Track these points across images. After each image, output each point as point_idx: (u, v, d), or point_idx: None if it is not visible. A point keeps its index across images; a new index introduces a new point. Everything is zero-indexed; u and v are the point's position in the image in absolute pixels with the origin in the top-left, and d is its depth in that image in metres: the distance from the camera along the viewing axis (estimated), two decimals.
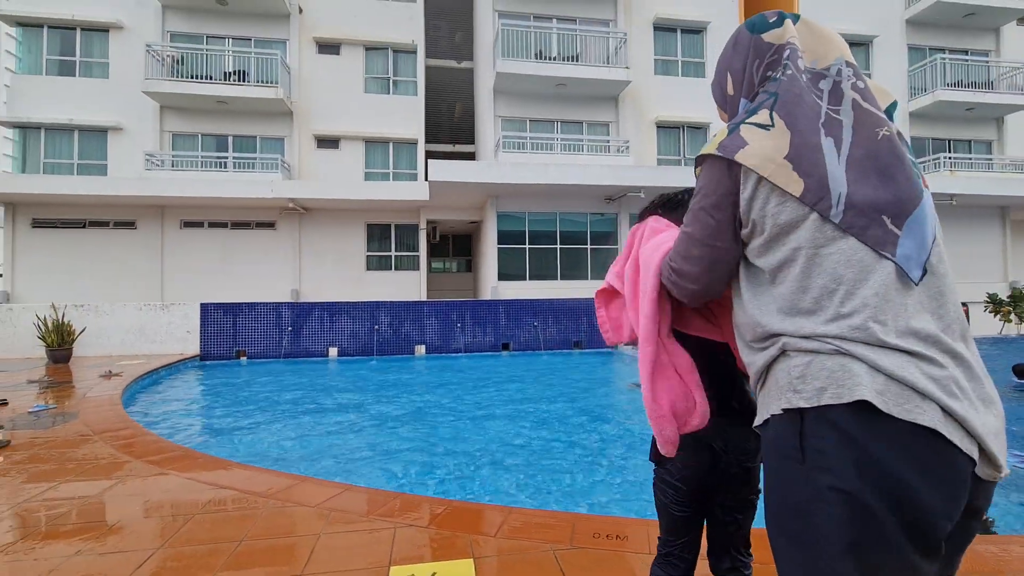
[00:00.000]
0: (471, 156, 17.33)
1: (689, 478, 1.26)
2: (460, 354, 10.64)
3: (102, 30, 14.08)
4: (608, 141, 14.79)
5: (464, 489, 3.69)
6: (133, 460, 3.49)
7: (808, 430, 0.81)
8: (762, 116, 0.92)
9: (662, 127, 15.78)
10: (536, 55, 14.69)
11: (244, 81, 14.03)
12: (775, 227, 0.88)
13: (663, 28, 15.86)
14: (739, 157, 0.90)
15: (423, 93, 15.45)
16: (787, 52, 0.95)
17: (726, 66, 1.05)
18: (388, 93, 15.27)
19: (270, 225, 14.08)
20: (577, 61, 14.86)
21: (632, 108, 15.46)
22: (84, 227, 13.43)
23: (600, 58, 15.12)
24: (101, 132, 14.01)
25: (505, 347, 10.97)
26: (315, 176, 14.53)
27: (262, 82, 14.02)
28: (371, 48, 15.18)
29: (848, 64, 0.93)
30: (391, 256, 14.68)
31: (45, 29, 13.91)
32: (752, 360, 0.96)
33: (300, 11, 14.78)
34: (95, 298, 12.49)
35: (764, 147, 0.89)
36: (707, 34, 15.95)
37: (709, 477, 1.26)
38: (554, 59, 14.74)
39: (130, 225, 13.62)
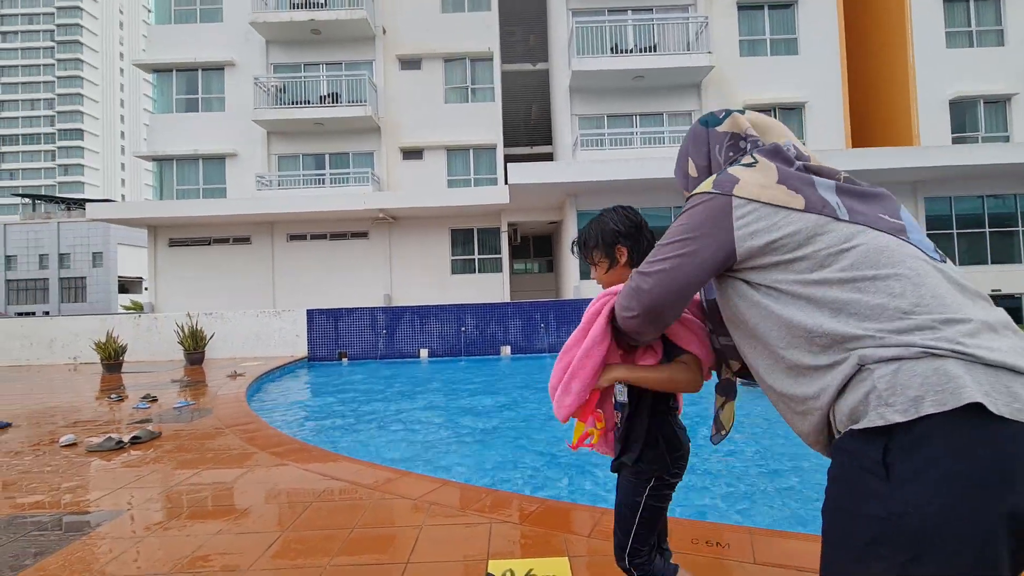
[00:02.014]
0: (549, 157, 17.39)
1: (679, 473, 1.37)
2: (545, 354, 10.70)
3: (219, 68, 15.86)
4: None
5: (554, 488, 3.73)
6: (258, 451, 3.91)
7: (898, 444, 0.76)
8: (745, 159, 1.05)
9: (751, 111, 14.84)
10: (612, 49, 14.44)
11: (337, 102, 15.15)
12: (788, 237, 0.92)
13: (748, 7, 14.93)
14: (736, 191, 0.99)
15: (500, 98, 15.76)
16: (748, 138, 1.11)
17: (687, 154, 1.21)
18: (467, 102, 15.74)
19: (363, 235, 15.06)
20: (655, 51, 14.40)
21: (717, 94, 14.70)
22: (209, 244, 15.19)
23: (679, 45, 14.53)
24: (220, 159, 15.78)
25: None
26: (402, 186, 15.32)
27: (353, 102, 15.05)
28: (450, 60, 15.73)
29: (794, 144, 1.08)
30: (475, 259, 15.10)
31: (174, 73, 15.92)
32: (806, 385, 0.89)
33: (384, 32, 15.67)
34: (220, 307, 14.06)
35: (756, 178, 0.99)
36: (798, 7, 14.78)
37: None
38: (630, 51, 14.39)
39: (246, 240, 15.20)
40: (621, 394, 1.38)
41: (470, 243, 15.19)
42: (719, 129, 1.15)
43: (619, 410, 1.40)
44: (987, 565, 0.70)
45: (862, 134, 16.27)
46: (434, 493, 2.96)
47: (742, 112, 1.17)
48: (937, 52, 14.44)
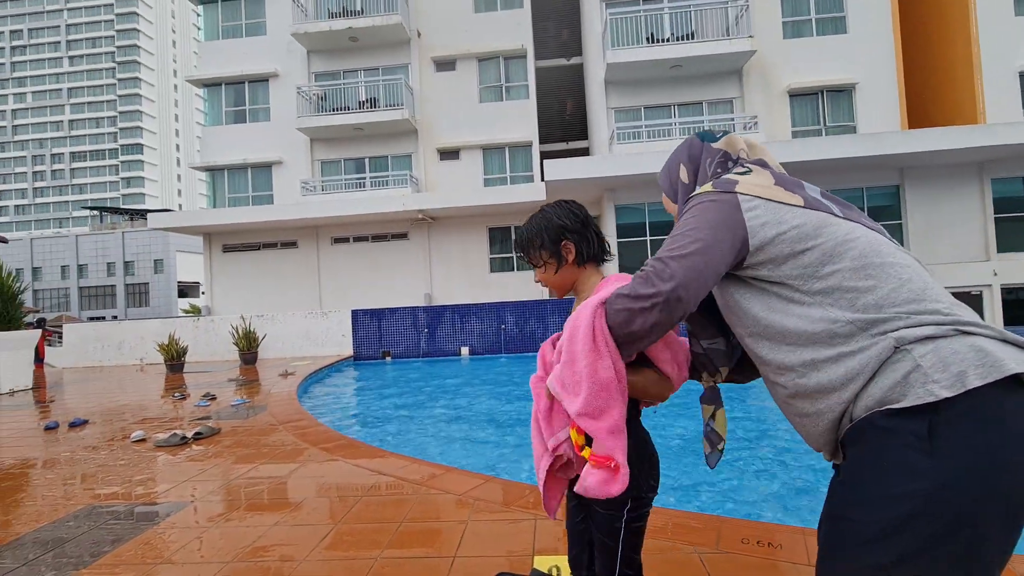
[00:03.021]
0: (585, 152, 17.23)
1: (655, 487, 1.28)
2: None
3: (263, 80, 16.51)
4: (733, 119, 13.74)
5: None
6: (310, 447, 4.07)
7: (943, 419, 0.78)
8: (738, 168, 1.11)
9: (796, 96, 14.24)
10: (647, 39, 14.14)
11: (375, 107, 15.50)
12: (795, 230, 0.96)
13: None
14: (739, 189, 1.02)
15: (534, 95, 15.72)
16: (739, 160, 1.15)
17: (680, 161, 1.23)
18: (501, 100, 15.78)
19: (403, 236, 15.37)
20: (693, 39, 14.01)
21: (759, 79, 14.17)
22: (259, 249, 15.86)
23: (718, 31, 14.08)
24: (267, 167, 16.44)
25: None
26: (440, 187, 15.53)
27: (390, 105, 15.37)
28: (483, 59, 15.81)
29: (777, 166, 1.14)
30: (513, 257, 15.16)
31: (223, 86, 16.67)
32: (827, 376, 0.90)
33: (419, 35, 15.90)
34: (271, 309, 14.67)
35: (754, 180, 1.04)
36: None
37: None
38: (667, 41, 14.05)
39: (292, 245, 15.79)
40: None
41: (508, 241, 15.24)
42: (714, 145, 1.18)
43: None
44: None
45: (919, 114, 15.31)
46: (478, 489, 3.00)
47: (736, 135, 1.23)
48: (1004, 19, 13.39)
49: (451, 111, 15.75)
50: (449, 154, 15.84)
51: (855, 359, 0.87)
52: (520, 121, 15.50)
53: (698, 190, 1.09)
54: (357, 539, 2.46)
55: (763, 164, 1.12)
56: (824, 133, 14.00)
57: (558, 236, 1.29)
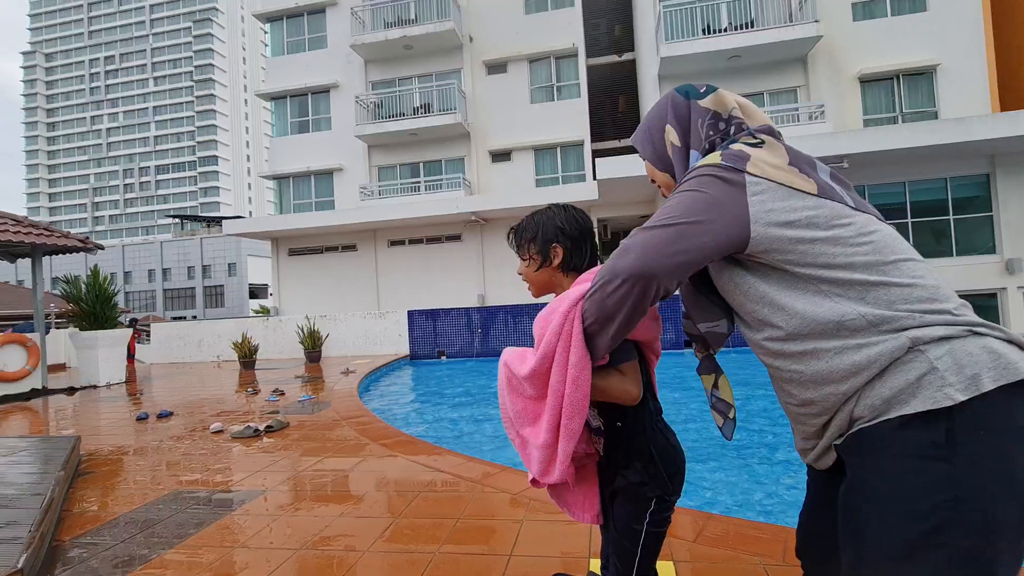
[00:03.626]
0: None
1: (678, 490, 1.26)
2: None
3: (325, 91, 17.31)
4: (797, 109, 13.04)
5: None
6: (371, 443, 4.23)
7: (959, 425, 0.76)
8: (746, 139, 0.98)
9: (868, 81, 13.33)
10: (703, 31, 13.68)
11: (429, 112, 15.89)
12: (806, 221, 0.88)
13: None
14: (750, 168, 0.92)
15: (586, 93, 15.58)
16: (732, 120, 1.03)
17: (664, 122, 1.11)
18: (553, 100, 15.75)
19: (457, 238, 15.64)
20: (752, 27, 13.41)
21: (827, 66, 13.38)
22: (321, 252, 16.63)
23: (780, 17, 13.42)
24: (328, 174, 17.21)
25: (688, 345, 10.41)
26: (492, 189, 15.70)
27: (443, 110, 15.70)
28: (534, 60, 15.84)
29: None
30: None
31: (288, 99, 17.62)
32: (826, 369, 0.86)
33: (470, 40, 16.14)
34: (332, 309, 15.35)
35: (767, 157, 0.93)
36: None
37: None
38: (725, 31, 13.53)
39: (352, 248, 16.45)
40: (595, 419, 1.24)
41: None
42: (701, 103, 1.06)
43: (598, 435, 1.26)
44: None
45: (1013, 96, 13.92)
46: (533, 490, 3.01)
47: (715, 89, 1.08)
48: None
49: (502, 113, 15.89)
50: (501, 156, 15.99)
51: (861, 353, 0.83)
52: (571, 120, 15.41)
53: (702, 160, 0.98)
54: (416, 534, 2.54)
55: (771, 132, 1.00)
56: (900, 120, 13.02)
57: (552, 236, 1.28)
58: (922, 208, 11.84)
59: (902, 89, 13.20)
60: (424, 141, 16.42)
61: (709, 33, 13.57)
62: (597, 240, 1.35)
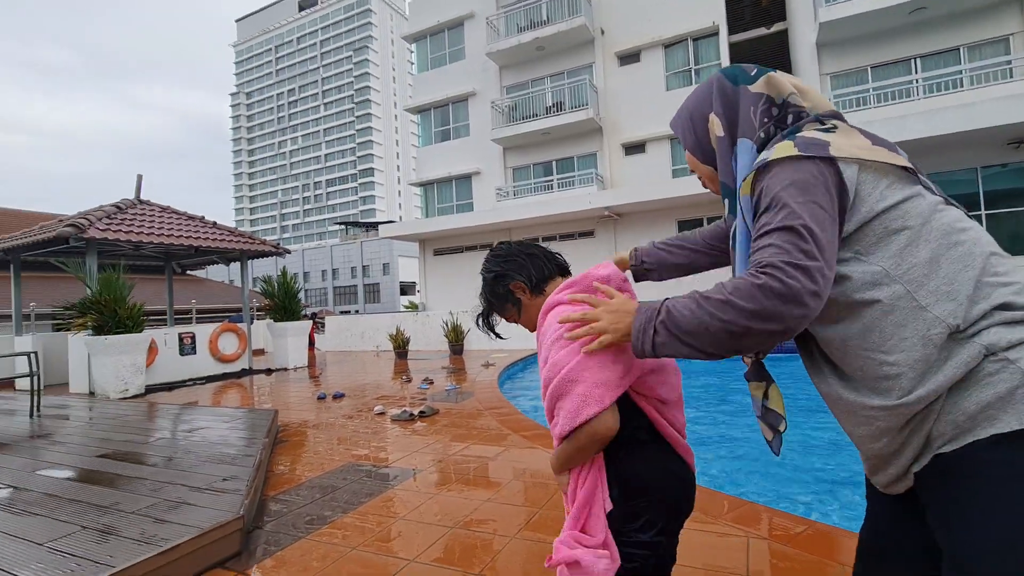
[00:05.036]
0: None
1: (680, 519, 1.19)
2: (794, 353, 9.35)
3: (463, 100, 18.37)
4: (1011, 62, 10.63)
5: (819, 508, 3.25)
6: (511, 433, 4.41)
7: None
8: (814, 125, 0.88)
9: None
10: None
11: (560, 110, 16.00)
12: (890, 206, 0.80)
13: None
14: (834, 152, 0.81)
15: None
16: (790, 106, 0.92)
17: (706, 110, 1.01)
18: (690, 84, 14.85)
19: (590, 234, 15.55)
20: None
21: None
22: (462, 252, 17.72)
23: None
24: (467, 178, 18.26)
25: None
26: (625, 182, 15.31)
27: (575, 107, 15.69)
28: (669, 45, 15.08)
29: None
30: None
31: (432, 111, 19.05)
32: (911, 374, 0.76)
33: (602, 33, 15.89)
34: (472, 305, 16.28)
35: (844, 141, 0.83)
36: None
37: None
38: None
39: (488, 247, 17.27)
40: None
41: None
42: (752, 89, 0.95)
43: None
44: None
45: None
46: None
47: (765, 72, 0.97)
48: None
49: (635, 104, 15.39)
50: (634, 148, 15.51)
51: (942, 371, 0.74)
52: None
53: (774, 152, 0.84)
54: (558, 526, 2.59)
55: (839, 117, 0.90)
56: None
57: (498, 287, 1.25)
58: None
59: None
60: (556, 139, 16.59)
61: None
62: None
